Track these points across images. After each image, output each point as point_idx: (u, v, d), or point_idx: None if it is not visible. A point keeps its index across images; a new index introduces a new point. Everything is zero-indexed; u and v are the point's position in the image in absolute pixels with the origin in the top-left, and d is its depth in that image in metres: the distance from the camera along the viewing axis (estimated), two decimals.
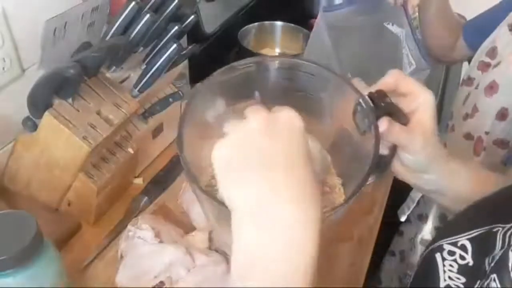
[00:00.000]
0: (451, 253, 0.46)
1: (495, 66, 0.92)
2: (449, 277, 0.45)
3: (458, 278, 0.44)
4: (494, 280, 0.39)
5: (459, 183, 0.55)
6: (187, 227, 0.76)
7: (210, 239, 0.72)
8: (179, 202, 0.82)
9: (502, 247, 0.42)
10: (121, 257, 0.70)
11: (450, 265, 0.45)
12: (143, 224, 0.70)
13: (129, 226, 0.71)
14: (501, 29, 0.95)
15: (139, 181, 0.88)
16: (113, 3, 0.81)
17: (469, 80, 0.99)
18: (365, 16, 1.00)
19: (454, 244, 0.46)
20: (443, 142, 0.56)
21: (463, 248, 0.46)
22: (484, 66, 0.95)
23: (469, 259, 0.45)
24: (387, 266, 1.20)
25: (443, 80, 1.51)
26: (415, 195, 1.06)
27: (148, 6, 0.79)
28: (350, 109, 0.50)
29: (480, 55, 0.98)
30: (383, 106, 0.48)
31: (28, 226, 0.52)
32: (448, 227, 0.52)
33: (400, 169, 0.55)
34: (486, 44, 0.97)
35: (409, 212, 1.07)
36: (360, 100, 0.48)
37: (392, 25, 1.01)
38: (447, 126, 1.05)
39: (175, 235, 0.71)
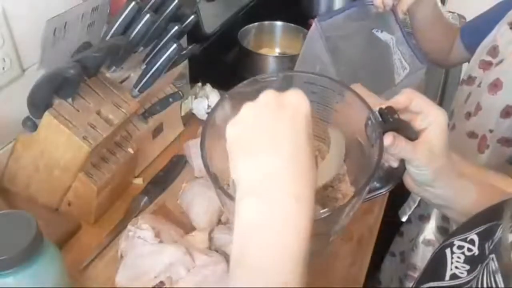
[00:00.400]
0: (460, 247, 0.48)
1: (498, 64, 0.92)
2: (456, 267, 0.46)
3: (463, 267, 0.46)
4: (493, 259, 0.41)
5: (466, 199, 0.57)
6: (187, 227, 0.77)
7: (210, 239, 0.72)
8: (179, 202, 0.82)
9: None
10: (121, 257, 0.70)
11: (458, 257, 0.47)
12: (143, 224, 0.70)
13: (129, 226, 0.71)
14: (501, 27, 0.94)
15: (139, 181, 0.88)
16: (113, 3, 0.81)
17: (470, 79, 0.99)
18: (355, 24, 1.00)
19: (464, 239, 0.48)
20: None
21: (472, 242, 0.47)
22: (486, 65, 0.95)
23: (475, 250, 0.46)
24: (387, 266, 1.20)
25: (443, 80, 1.51)
26: (416, 196, 1.06)
27: (148, 6, 0.79)
28: (363, 122, 0.52)
29: (481, 54, 0.97)
30: (391, 121, 0.51)
31: (28, 226, 0.52)
32: (462, 226, 0.53)
33: (409, 182, 0.57)
34: (486, 43, 0.97)
35: (410, 212, 1.07)
36: (370, 115, 0.51)
37: (381, 32, 1.01)
38: (448, 125, 1.05)
39: (175, 235, 0.71)
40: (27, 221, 0.53)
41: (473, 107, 0.95)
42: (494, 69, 0.92)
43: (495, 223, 0.46)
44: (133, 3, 0.76)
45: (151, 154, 0.93)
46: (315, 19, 0.98)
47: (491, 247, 0.43)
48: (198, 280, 0.65)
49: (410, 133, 0.52)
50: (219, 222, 0.78)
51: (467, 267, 0.46)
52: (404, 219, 1.08)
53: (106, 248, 0.74)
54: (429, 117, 0.53)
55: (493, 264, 0.40)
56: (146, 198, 0.83)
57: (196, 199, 0.79)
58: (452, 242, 0.49)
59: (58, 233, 0.73)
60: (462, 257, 0.47)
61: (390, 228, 1.12)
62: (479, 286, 0.41)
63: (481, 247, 0.46)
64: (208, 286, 0.65)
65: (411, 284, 0.73)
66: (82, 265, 0.71)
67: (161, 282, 0.66)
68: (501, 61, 0.91)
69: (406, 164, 0.54)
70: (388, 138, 0.50)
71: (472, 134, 0.95)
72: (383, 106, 0.51)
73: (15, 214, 0.54)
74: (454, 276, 0.46)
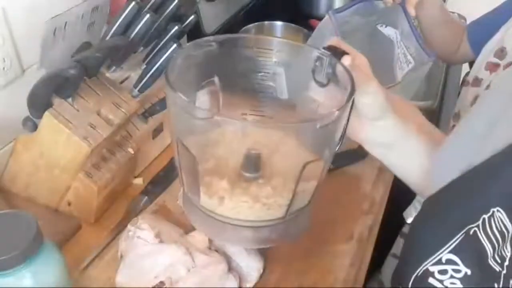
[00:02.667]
0: (442, 272, 0.46)
1: (507, 66, 0.92)
2: None
3: None
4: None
5: (407, 132, 0.59)
6: (187, 227, 0.76)
7: (210, 239, 0.72)
8: (179, 202, 0.82)
9: (491, 243, 0.42)
10: (121, 257, 0.70)
11: (452, 283, 0.45)
12: (143, 224, 0.70)
13: (129, 226, 0.71)
14: (509, 29, 0.94)
15: (139, 181, 0.88)
16: (113, 3, 0.81)
17: (477, 81, 0.99)
18: (362, 19, 1.01)
19: (439, 262, 0.46)
20: None
21: (451, 262, 0.45)
22: (493, 67, 0.95)
23: (464, 270, 0.44)
24: (388, 268, 1.20)
25: (443, 80, 1.50)
26: (422, 197, 1.06)
27: (148, 6, 0.79)
28: (306, 75, 0.54)
29: (487, 55, 0.97)
30: (338, 52, 0.53)
31: (28, 226, 0.52)
32: (418, 248, 0.51)
33: (357, 124, 0.57)
34: (492, 45, 0.97)
35: (416, 214, 1.07)
36: (318, 54, 0.53)
37: (386, 27, 1.01)
38: (453, 126, 1.05)
39: (175, 235, 0.71)
40: (27, 221, 0.53)
41: None
42: (503, 72, 0.92)
43: (467, 229, 0.44)
44: (133, 3, 0.76)
45: (151, 154, 0.93)
46: (329, 12, 0.98)
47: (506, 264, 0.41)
48: (198, 280, 0.65)
49: None
50: None
51: None
52: (409, 220, 1.07)
53: (106, 248, 0.74)
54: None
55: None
56: (146, 198, 0.83)
57: None
58: (427, 269, 0.47)
59: (58, 233, 0.73)
60: (457, 281, 0.44)
61: (392, 230, 1.12)
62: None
63: (474, 266, 0.43)
64: (208, 286, 0.65)
65: None
66: (82, 265, 0.71)
67: (161, 282, 0.66)
68: (510, 64, 0.91)
69: (358, 97, 0.53)
70: (346, 59, 0.52)
71: None
72: (325, 46, 0.54)
73: (15, 214, 0.54)
74: None
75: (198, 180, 0.50)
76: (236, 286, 0.67)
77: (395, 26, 1.00)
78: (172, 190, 0.86)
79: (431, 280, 0.46)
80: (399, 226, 1.16)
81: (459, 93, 1.11)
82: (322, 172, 0.51)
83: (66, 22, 0.71)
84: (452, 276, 0.45)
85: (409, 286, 0.49)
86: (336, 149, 0.57)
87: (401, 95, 0.93)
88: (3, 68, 0.76)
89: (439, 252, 0.46)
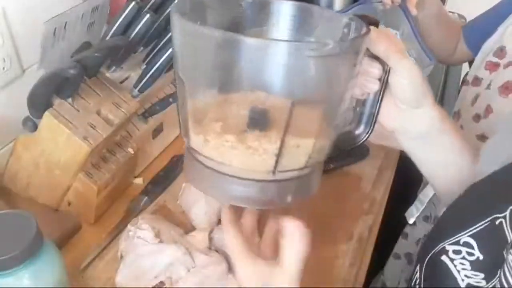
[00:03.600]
0: (457, 252, 0.46)
1: (507, 66, 0.92)
2: (466, 276, 0.45)
3: (476, 275, 0.44)
4: (510, 252, 0.40)
5: (450, 127, 0.55)
6: (187, 227, 0.77)
7: (210, 239, 0.72)
8: (179, 202, 0.82)
9: None
10: (121, 257, 0.70)
11: (461, 263, 0.45)
12: (143, 224, 0.70)
13: (129, 226, 0.71)
14: (508, 28, 0.94)
15: (139, 181, 0.88)
16: (113, 3, 0.81)
17: (477, 80, 0.99)
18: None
19: (456, 243, 0.46)
20: None
21: (467, 245, 0.46)
22: (493, 66, 0.95)
23: (478, 254, 0.45)
24: (391, 268, 1.19)
25: (443, 80, 1.51)
26: (424, 197, 1.06)
27: (148, 6, 0.80)
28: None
29: (487, 54, 0.97)
30: (370, 20, 0.50)
31: (28, 226, 0.52)
32: (443, 229, 0.52)
33: (392, 111, 0.53)
34: (491, 44, 0.97)
35: (417, 214, 1.07)
36: (348, 20, 0.48)
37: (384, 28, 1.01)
38: None
39: (175, 235, 0.71)
40: (27, 221, 0.53)
41: (482, 109, 0.95)
42: (503, 71, 0.92)
43: (493, 218, 0.44)
44: (133, 3, 0.76)
45: (151, 154, 0.93)
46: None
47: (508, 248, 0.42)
48: (198, 280, 0.65)
49: None
50: (219, 222, 0.78)
51: (481, 274, 0.44)
52: (411, 221, 1.07)
53: (106, 248, 0.74)
54: None
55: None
56: (146, 198, 0.83)
57: (196, 199, 0.79)
58: (444, 247, 0.47)
59: (58, 233, 0.73)
60: (467, 263, 0.45)
61: (393, 230, 1.12)
62: (504, 284, 0.40)
63: (488, 254, 0.44)
64: (208, 286, 0.65)
65: None
66: (82, 265, 0.71)
67: (161, 282, 0.66)
68: (510, 63, 0.91)
69: (394, 76, 0.50)
70: (374, 31, 0.46)
71: (482, 137, 0.94)
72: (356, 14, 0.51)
73: (15, 214, 0.54)
74: (471, 287, 0.44)
75: (187, 115, 0.46)
76: (236, 286, 0.67)
77: (395, 28, 1.00)
78: (172, 190, 0.86)
79: (443, 257, 0.47)
80: (400, 226, 1.16)
81: (459, 92, 1.11)
82: (322, 127, 0.46)
83: (66, 22, 0.71)
84: (464, 258, 0.45)
85: (425, 262, 0.50)
86: (366, 132, 0.52)
87: None
88: (3, 68, 0.76)
89: (460, 234, 0.46)
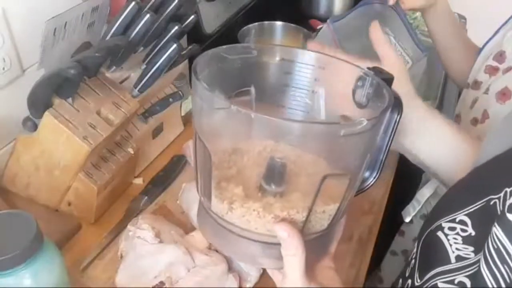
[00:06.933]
0: (452, 228, 0.49)
1: (506, 71, 0.92)
2: (457, 248, 0.47)
3: (466, 248, 0.46)
4: (495, 226, 0.42)
5: (435, 117, 0.61)
6: (187, 227, 0.77)
7: None
8: (179, 202, 0.82)
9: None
10: (121, 257, 0.70)
11: (454, 238, 0.48)
12: (143, 224, 0.70)
13: (129, 226, 0.71)
14: (507, 32, 0.94)
15: (139, 181, 0.88)
16: (113, 3, 0.81)
17: (476, 84, 0.99)
18: (359, 23, 1.01)
19: (452, 220, 0.49)
20: None
21: (462, 222, 0.48)
22: (492, 70, 0.95)
23: (470, 231, 0.47)
24: (389, 265, 1.20)
25: (443, 81, 1.50)
26: (421, 197, 1.06)
27: (148, 6, 0.79)
28: (345, 94, 0.51)
29: (486, 58, 0.97)
30: (383, 73, 0.51)
31: (28, 226, 0.52)
32: (442, 208, 0.54)
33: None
34: (491, 47, 0.97)
35: (414, 213, 1.07)
36: (362, 73, 0.50)
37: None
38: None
39: (175, 235, 0.71)
40: (27, 221, 0.52)
41: (480, 114, 0.95)
42: (502, 76, 0.92)
43: (488, 199, 0.46)
44: (133, 3, 0.76)
45: (151, 154, 0.93)
46: (328, 21, 0.98)
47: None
48: (198, 280, 0.65)
49: None
50: None
51: (471, 248, 0.46)
52: (407, 220, 1.08)
53: (106, 248, 0.74)
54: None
55: (496, 229, 0.41)
56: (146, 198, 0.83)
57: (196, 199, 0.79)
58: (440, 224, 0.50)
59: (58, 233, 0.73)
60: (459, 238, 0.47)
61: (390, 228, 1.12)
62: (487, 255, 0.42)
63: (480, 230, 0.46)
64: (208, 286, 0.65)
65: None
66: (82, 265, 0.71)
67: (161, 282, 0.66)
68: (509, 69, 0.91)
69: None
70: None
71: None
72: (370, 66, 0.52)
73: (15, 214, 0.54)
74: (460, 258, 0.46)
75: (211, 180, 0.47)
76: (236, 286, 0.67)
77: (390, 28, 1.00)
78: (172, 190, 0.86)
79: (439, 233, 0.49)
80: (396, 224, 1.16)
81: (459, 94, 1.11)
82: (346, 194, 0.47)
83: (66, 22, 0.71)
84: (457, 234, 0.48)
85: (422, 239, 0.52)
86: (373, 177, 0.55)
87: None
88: (3, 68, 0.76)
89: (456, 213, 0.49)
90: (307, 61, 0.53)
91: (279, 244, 0.44)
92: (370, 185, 0.56)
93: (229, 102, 0.42)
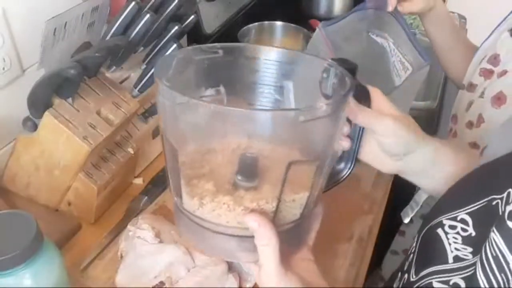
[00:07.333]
0: (452, 227, 0.48)
1: (501, 75, 0.91)
2: (456, 248, 0.47)
3: (465, 248, 0.46)
4: (494, 231, 0.41)
5: (444, 159, 0.57)
6: None
7: None
8: None
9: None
10: (121, 257, 0.70)
11: (454, 237, 0.47)
12: (143, 224, 0.70)
13: (129, 226, 0.71)
14: (501, 34, 0.94)
15: (139, 181, 0.88)
16: (113, 3, 0.81)
17: (471, 86, 0.99)
18: (356, 27, 1.01)
19: (454, 218, 0.48)
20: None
21: (463, 221, 0.47)
22: (487, 73, 0.95)
23: (471, 231, 0.46)
24: (389, 264, 1.20)
25: (443, 82, 1.50)
26: (420, 198, 1.06)
27: (148, 6, 0.80)
28: (312, 87, 0.52)
29: (480, 60, 0.97)
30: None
31: (28, 226, 0.52)
32: (443, 204, 0.53)
33: (384, 159, 0.56)
34: (485, 50, 0.97)
35: (413, 214, 1.07)
36: (326, 65, 0.51)
37: (377, 36, 1.01)
38: (450, 130, 1.05)
39: (175, 235, 0.71)
40: (27, 221, 0.52)
41: (475, 117, 0.95)
42: (497, 80, 0.92)
43: (490, 198, 0.46)
44: (133, 3, 0.76)
45: (151, 154, 0.93)
46: (319, 25, 0.98)
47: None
48: (198, 280, 0.65)
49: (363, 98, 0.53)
50: None
51: (470, 249, 0.46)
52: (406, 221, 1.08)
53: (106, 248, 0.74)
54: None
55: (494, 234, 0.41)
56: (146, 198, 0.83)
57: None
58: (441, 221, 0.49)
59: (58, 233, 0.73)
60: (459, 237, 0.47)
61: (390, 228, 1.12)
62: (484, 260, 0.41)
63: (480, 231, 0.46)
64: (208, 286, 0.65)
65: None
66: (82, 265, 0.71)
67: (161, 282, 0.66)
68: (504, 72, 0.91)
69: (380, 138, 0.53)
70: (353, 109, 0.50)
71: (474, 145, 0.94)
72: (334, 58, 0.52)
73: (15, 214, 0.54)
74: (458, 259, 0.46)
75: (179, 178, 0.48)
76: (236, 286, 0.67)
77: (390, 33, 1.00)
78: None
79: (439, 230, 0.49)
80: (397, 224, 1.16)
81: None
82: (315, 181, 0.47)
83: (66, 22, 0.71)
84: (458, 233, 0.47)
85: (422, 234, 0.52)
86: (348, 168, 0.55)
87: (402, 99, 0.93)
88: (3, 68, 0.76)
89: (458, 211, 0.48)
90: (272, 58, 0.53)
91: (253, 236, 0.44)
92: (345, 176, 0.57)
93: (187, 97, 0.42)
